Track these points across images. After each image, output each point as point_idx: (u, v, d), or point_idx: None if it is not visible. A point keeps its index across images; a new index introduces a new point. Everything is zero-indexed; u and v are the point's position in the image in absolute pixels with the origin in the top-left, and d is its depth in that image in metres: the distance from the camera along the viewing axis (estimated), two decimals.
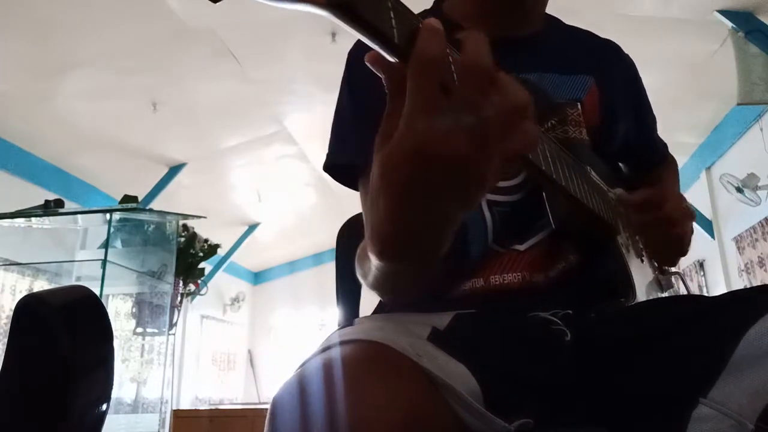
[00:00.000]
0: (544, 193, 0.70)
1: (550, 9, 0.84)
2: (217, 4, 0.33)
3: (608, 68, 0.83)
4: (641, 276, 0.78)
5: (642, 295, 0.74)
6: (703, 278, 5.51)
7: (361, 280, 0.64)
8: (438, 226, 0.44)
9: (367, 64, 0.41)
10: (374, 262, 0.50)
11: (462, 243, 0.71)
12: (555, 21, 0.86)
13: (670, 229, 0.78)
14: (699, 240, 5.15)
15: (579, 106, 0.76)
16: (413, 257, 0.48)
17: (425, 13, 0.82)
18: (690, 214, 0.81)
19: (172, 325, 4.47)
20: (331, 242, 0.91)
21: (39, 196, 3.65)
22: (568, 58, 0.80)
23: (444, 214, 0.43)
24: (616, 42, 0.90)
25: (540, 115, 0.71)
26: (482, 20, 0.78)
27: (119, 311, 4.16)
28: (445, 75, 0.39)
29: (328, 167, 0.75)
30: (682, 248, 0.81)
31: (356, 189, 0.74)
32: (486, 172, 0.39)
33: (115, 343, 0.82)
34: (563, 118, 0.74)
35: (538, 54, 0.78)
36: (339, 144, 0.76)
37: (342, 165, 0.74)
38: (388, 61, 0.40)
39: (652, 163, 0.94)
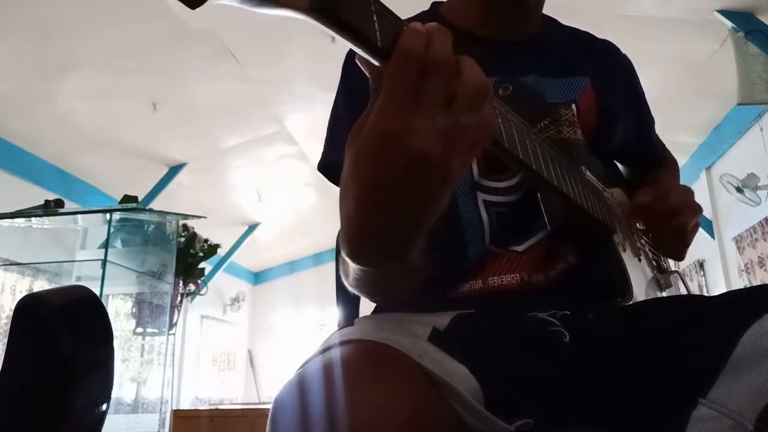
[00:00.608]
0: (539, 194, 0.70)
1: (550, 10, 0.84)
2: (217, 4, 0.33)
3: (605, 69, 0.83)
4: (639, 275, 0.78)
5: (640, 294, 0.74)
6: (703, 278, 5.51)
7: (344, 281, 0.62)
8: (405, 224, 0.43)
9: (358, 63, 0.41)
10: (349, 263, 0.49)
11: (459, 244, 0.71)
12: (552, 22, 0.86)
13: (673, 220, 0.78)
14: (699, 240, 5.12)
15: (574, 107, 0.76)
16: (383, 257, 0.47)
17: (422, 16, 0.82)
18: (696, 207, 0.80)
19: (172, 325, 4.46)
20: (331, 242, 0.91)
21: (39, 196, 3.65)
22: (564, 59, 0.80)
23: (411, 209, 0.42)
24: (614, 42, 0.90)
25: (532, 115, 0.71)
26: (481, 23, 0.78)
27: (119, 311, 4.16)
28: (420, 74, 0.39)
29: (321, 166, 0.76)
30: (685, 239, 0.80)
31: None
32: (451, 165, 0.40)
33: (115, 343, 0.82)
34: (556, 118, 0.74)
35: (534, 56, 0.78)
36: (332, 144, 0.76)
37: (334, 164, 0.74)
38: (376, 66, 0.40)
39: (651, 163, 0.94)
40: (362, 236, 0.44)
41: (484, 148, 0.43)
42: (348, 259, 0.47)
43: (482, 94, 0.40)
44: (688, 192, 0.82)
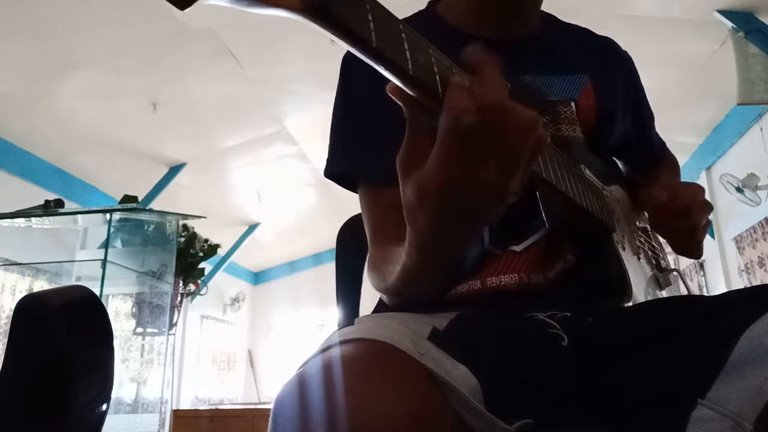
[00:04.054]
0: (537, 193, 0.69)
1: (550, 9, 0.84)
2: (212, 4, 0.33)
3: (604, 65, 0.83)
4: (638, 274, 0.78)
5: (639, 293, 0.74)
6: (703, 278, 5.51)
7: (379, 283, 0.67)
8: (466, 237, 0.54)
9: (389, 95, 0.43)
10: (405, 260, 0.56)
11: None
12: (551, 19, 0.86)
13: (686, 219, 0.78)
14: None
15: (573, 105, 0.76)
16: (446, 254, 0.56)
17: (419, 15, 0.82)
18: (708, 205, 0.81)
19: (172, 325, 4.47)
20: (331, 242, 0.91)
21: (39, 196, 3.65)
22: (563, 57, 0.80)
23: (473, 227, 0.51)
24: (613, 39, 0.90)
25: None
26: (478, 23, 0.77)
27: (119, 311, 4.17)
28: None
29: (328, 175, 0.78)
30: (698, 237, 0.81)
31: (356, 192, 0.76)
32: (509, 190, 0.45)
33: (115, 343, 0.82)
34: (555, 116, 0.74)
35: (532, 55, 0.78)
36: (336, 153, 0.78)
37: (342, 174, 0.77)
38: (409, 95, 0.42)
39: (650, 159, 0.94)
40: (433, 246, 0.53)
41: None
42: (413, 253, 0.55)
43: (533, 128, 0.43)
44: (700, 190, 0.82)
